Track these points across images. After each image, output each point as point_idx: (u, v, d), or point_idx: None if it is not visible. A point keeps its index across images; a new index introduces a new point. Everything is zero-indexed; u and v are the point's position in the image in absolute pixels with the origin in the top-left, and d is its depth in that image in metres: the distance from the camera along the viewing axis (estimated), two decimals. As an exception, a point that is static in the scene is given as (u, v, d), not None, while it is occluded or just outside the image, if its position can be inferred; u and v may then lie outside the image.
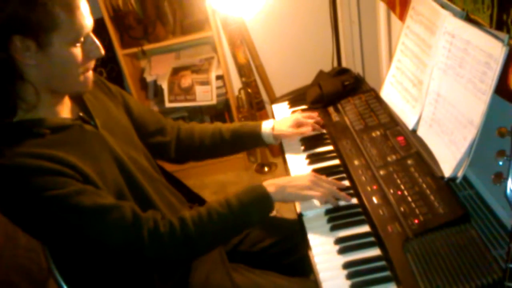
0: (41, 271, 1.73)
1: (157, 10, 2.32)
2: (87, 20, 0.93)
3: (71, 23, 0.90)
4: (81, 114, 1.06)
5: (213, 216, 1.02)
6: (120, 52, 2.34)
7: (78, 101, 1.08)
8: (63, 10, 0.88)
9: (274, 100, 1.72)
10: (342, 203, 1.11)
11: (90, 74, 1.01)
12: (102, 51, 0.99)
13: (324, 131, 1.40)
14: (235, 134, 1.35)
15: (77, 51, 0.94)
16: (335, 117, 1.41)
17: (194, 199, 1.38)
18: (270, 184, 1.09)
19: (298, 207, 1.15)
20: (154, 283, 1.10)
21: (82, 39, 0.94)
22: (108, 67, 2.51)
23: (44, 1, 0.86)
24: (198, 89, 2.42)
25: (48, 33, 0.88)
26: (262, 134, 1.36)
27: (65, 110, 1.03)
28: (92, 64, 1.01)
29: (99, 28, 2.29)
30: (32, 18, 0.86)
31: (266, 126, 1.36)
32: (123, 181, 1.05)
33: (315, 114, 1.44)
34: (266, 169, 2.64)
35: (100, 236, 0.95)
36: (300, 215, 1.12)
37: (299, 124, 1.39)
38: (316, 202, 1.13)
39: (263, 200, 1.07)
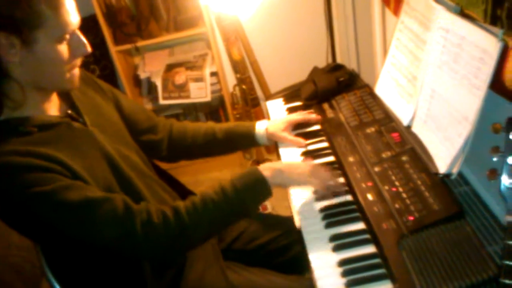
0: (34, 270, 1.72)
1: (150, 6, 2.30)
2: (72, 17, 0.92)
3: (56, 20, 0.88)
4: (69, 111, 1.05)
5: (208, 205, 1.00)
6: (113, 49, 2.32)
7: (67, 98, 1.07)
8: (48, 7, 0.87)
9: (268, 96, 1.71)
10: (337, 200, 1.11)
11: (76, 71, 1.00)
12: (89, 49, 0.97)
13: (319, 127, 1.40)
14: (228, 134, 1.34)
15: (63, 48, 0.93)
16: (329, 113, 1.40)
17: (189, 196, 1.36)
18: (267, 168, 1.07)
19: (293, 205, 1.14)
20: (147, 280, 1.09)
21: (67, 36, 0.93)
22: (101, 64, 2.49)
23: None
24: (192, 86, 2.41)
25: (33, 30, 0.87)
26: (255, 135, 1.35)
27: (53, 107, 1.02)
28: (78, 61, 0.99)
29: (92, 24, 2.29)
30: (17, 15, 0.85)
31: (260, 127, 1.35)
32: (113, 178, 1.04)
33: (309, 113, 1.43)
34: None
35: (91, 230, 0.94)
36: (296, 217, 1.11)
37: (293, 127, 1.39)
38: (313, 199, 1.12)
39: (259, 185, 1.04)
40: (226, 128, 1.35)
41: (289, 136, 1.36)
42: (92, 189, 0.94)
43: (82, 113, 1.05)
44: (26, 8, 0.85)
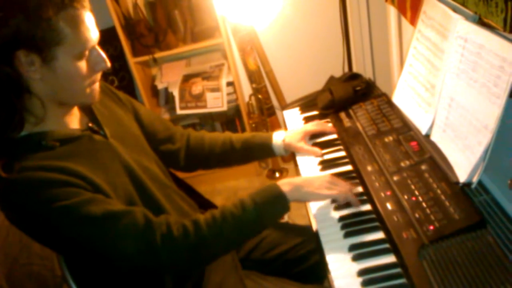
0: (55, 279, 1.74)
1: (168, 18, 2.34)
2: (92, 33, 0.93)
3: (75, 37, 0.90)
4: (90, 124, 1.06)
5: (227, 218, 1.01)
6: (131, 60, 2.37)
7: (87, 111, 1.08)
8: (68, 25, 0.88)
9: (285, 106, 1.72)
10: (356, 209, 1.11)
11: (96, 86, 1.01)
12: (108, 64, 0.99)
13: (336, 136, 1.40)
14: (245, 144, 1.35)
15: (83, 64, 0.94)
16: (347, 122, 1.40)
17: (206, 205, 1.38)
18: (285, 183, 1.07)
19: (312, 214, 1.14)
20: (167, 290, 1.10)
21: (87, 52, 0.94)
22: (120, 75, 2.54)
23: (48, 16, 0.86)
24: (209, 95, 2.44)
25: (53, 47, 0.89)
26: (273, 146, 1.36)
27: (74, 121, 1.04)
28: (98, 76, 1.01)
29: (111, 36, 2.34)
30: (37, 33, 0.86)
31: (277, 138, 1.36)
32: (134, 189, 1.05)
33: (325, 123, 1.44)
34: (277, 174, 2.64)
35: (112, 243, 0.95)
36: (315, 226, 1.12)
37: (309, 137, 1.40)
38: (331, 208, 1.12)
39: (278, 200, 1.05)
40: (243, 139, 1.36)
41: (306, 146, 1.36)
42: (113, 202, 0.96)
43: (103, 125, 1.07)
44: (46, 26, 0.86)
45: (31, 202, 0.89)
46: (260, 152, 1.38)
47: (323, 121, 1.46)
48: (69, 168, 0.93)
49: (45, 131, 0.96)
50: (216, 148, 1.35)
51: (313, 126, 1.42)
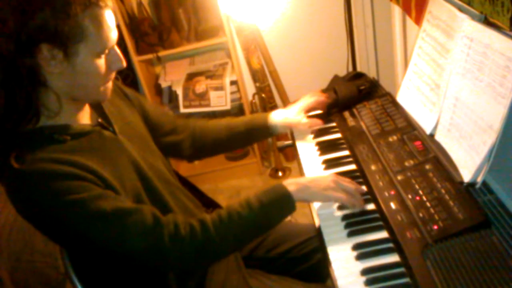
0: (58, 276, 1.75)
1: (172, 17, 2.34)
2: (113, 33, 0.95)
3: (98, 35, 0.91)
4: (100, 120, 1.07)
5: (233, 217, 1.01)
6: (135, 59, 2.37)
7: (97, 107, 1.09)
8: (92, 23, 0.89)
9: (288, 104, 1.71)
10: (358, 209, 1.11)
11: (110, 84, 1.02)
12: (124, 64, 1.00)
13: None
14: (246, 128, 1.38)
15: (101, 62, 0.95)
16: (351, 121, 1.40)
17: (209, 204, 1.38)
18: (291, 183, 1.07)
19: (315, 213, 1.14)
20: (171, 288, 1.11)
21: (107, 51, 0.95)
22: (124, 73, 2.54)
23: (75, 13, 0.87)
24: (213, 94, 2.44)
25: (76, 44, 0.89)
26: (271, 124, 1.39)
27: (85, 116, 1.05)
28: (113, 75, 1.02)
29: (115, 35, 2.33)
30: (63, 29, 0.87)
31: (275, 116, 1.39)
32: (141, 185, 1.06)
33: (319, 94, 1.48)
34: (280, 173, 2.64)
35: (120, 240, 0.95)
36: (318, 225, 1.12)
37: (307, 112, 1.44)
38: (334, 207, 1.12)
39: (284, 199, 1.05)
40: (243, 123, 1.39)
41: (304, 120, 1.40)
42: (122, 199, 0.96)
43: (112, 121, 1.08)
44: (72, 22, 0.87)
45: (42, 193, 0.90)
46: (260, 133, 1.41)
47: (316, 92, 1.50)
48: (80, 162, 0.93)
49: (57, 124, 0.97)
50: (220, 135, 1.38)
51: (308, 100, 1.45)
